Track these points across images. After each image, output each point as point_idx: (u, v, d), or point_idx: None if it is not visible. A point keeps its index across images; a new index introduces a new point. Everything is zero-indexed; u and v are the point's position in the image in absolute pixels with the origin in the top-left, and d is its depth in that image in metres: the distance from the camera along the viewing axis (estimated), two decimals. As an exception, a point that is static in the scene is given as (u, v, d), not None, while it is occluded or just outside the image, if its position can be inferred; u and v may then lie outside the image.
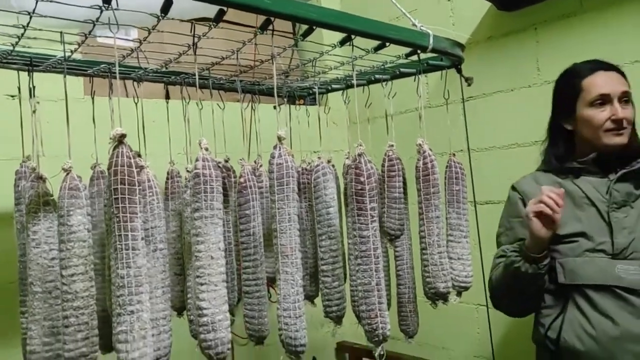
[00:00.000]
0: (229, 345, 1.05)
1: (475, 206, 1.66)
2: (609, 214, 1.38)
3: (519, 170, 2.12)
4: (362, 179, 1.22)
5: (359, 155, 1.24)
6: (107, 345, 1.22)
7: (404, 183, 1.51)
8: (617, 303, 1.32)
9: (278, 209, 1.11)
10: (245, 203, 1.23)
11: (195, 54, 1.11)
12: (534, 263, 1.37)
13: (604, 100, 1.41)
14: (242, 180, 1.23)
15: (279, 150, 1.12)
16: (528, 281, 1.40)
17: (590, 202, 1.41)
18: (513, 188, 1.58)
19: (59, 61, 1.23)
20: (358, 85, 1.76)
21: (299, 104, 2.67)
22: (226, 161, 1.55)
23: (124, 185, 0.91)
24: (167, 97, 1.65)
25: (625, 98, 1.42)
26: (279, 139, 1.12)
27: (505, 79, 2.09)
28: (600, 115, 1.41)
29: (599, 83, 1.43)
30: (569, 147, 1.51)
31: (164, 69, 1.40)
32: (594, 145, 1.44)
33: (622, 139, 1.41)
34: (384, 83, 1.64)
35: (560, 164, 1.50)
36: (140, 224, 0.92)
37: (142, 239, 0.94)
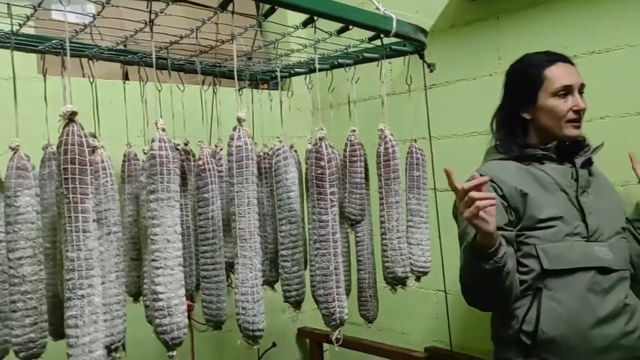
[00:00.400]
0: (185, 330, 1.03)
1: (435, 193, 1.67)
2: (578, 198, 1.42)
3: (479, 158, 2.16)
4: (322, 163, 1.21)
5: (320, 139, 1.23)
6: (58, 331, 1.18)
7: (366, 169, 1.51)
8: (595, 287, 1.34)
9: (237, 192, 1.09)
10: (203, 186, 1.21)
11: (152, 32, 1.07)
12: (489, 259, 1.28)
13: (566, 91, 1.45)
14: (200, 163, 1.20)
15: (239, 132, 1.10)
16: (489, 276, 1.31)
17: (559, 187, 1.44)
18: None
19: (7, 35, 1.17)
20: (321, 70, 1.74)
21: (263, 88, 2.64)
22: (186, 144, 1.52)
23: (74, 165, 0.87)
24: (126, 77, 1.60)
25: (582, 90, 1.47)
26: (239, 120, 1.10)
27: (468, 68, 2.11)
28: (563, 105, 1.45)
29: (562, 74, 1.46)
30: (523, 135, 1.53)
31: (119, 47, 1.35)
32: (552, 134, 1.47)
33: (579, 131, 1.47)
34: (347, 68, 1.63)
35: (522, 151, 1.51)
36: (91, 205, 0.89)
37: (94, 221, 0.90)
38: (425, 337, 2.32)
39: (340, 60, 1.64)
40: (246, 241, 1.09)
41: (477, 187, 1.19)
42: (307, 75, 1.80)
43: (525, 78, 1.52)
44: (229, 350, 2.28)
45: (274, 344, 2.36)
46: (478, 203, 1.18)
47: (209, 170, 1.20)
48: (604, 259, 1.36)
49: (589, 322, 1.33)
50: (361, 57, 1.58)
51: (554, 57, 1.49)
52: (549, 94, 1.46)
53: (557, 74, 1.45)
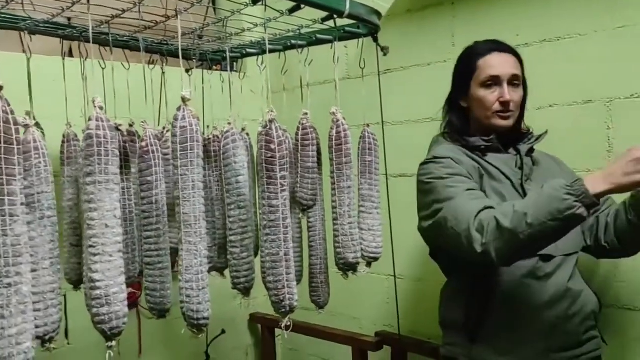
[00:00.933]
0: (125, 320, 0.99)
1: (387, 178, 1.66)
2: (523, 186, 1.42)
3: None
4: (272, 146, 1.17)
5: (270, 121, 1.19)
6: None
7: (319, 153, 1.48)
8: (537, 273, 1.35)
9: (181, 175, 1.04)
10: (147, 169, 1.15)
11: (89, 3, 1.00)
12: (592, 208, 1.15)
13: (494, 81, 1.44)
14: (143, 144, 1.15)
15: (183, 112, 1.05)
16: (572, 227, 1.19)
17: (505, 176, 1.45)
18: (436, 158, 1.46)
19: None
20: (274, 51, 1.70)
21: (216, 69, 2.56)
22: (130, 126, 1.45)
23: (0, 143, 0.80)
24: (69, 54, 1.51)
25: (516, 82, 1.46)
26: (183, 100, 1.05)
27: (423, 53, 2.10)
28: (490, 96, 1.44)
29: (491, 64, 1.45)
30: (463, 123, 1.54)
31: (55, 20, 1.26)
32: (483, 125, 1.48)
33: (507, 122, 1.45)
34: (299, 50, 1.59)
35: (465, 140, 1.51)
36: (19, 187, 0.83)
37: (23, 204, 0.84)
38: (377, 322, 2.34)
39: (293, 42, 1.60)
40: (191, 226, 1.04)
41: None
42: (260, 57, 1.75)
43: (462, 66, 1.54)
44: (177, 338, 2.23)
45: (223, 331, 2.32)
46: None
47: (153, 152, 1.14)
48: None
49: (530, 306, 1.35)
50: (314, 38, 1.55)
51: (493, 47, 1.48)
52: (478, 83, 1.46)
53: (487, 64, 1.45)
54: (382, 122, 1.65)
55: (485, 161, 1.47)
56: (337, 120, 1.35)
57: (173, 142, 1.05)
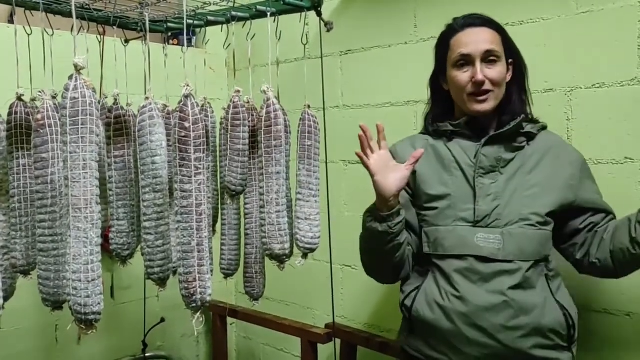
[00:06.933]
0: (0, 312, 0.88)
1: (327, 164, 1.56)
2: (475, 179, 1.31)
3: (391, 131, 2.06)
4: (186, 124, 1.06)
5: (186, 97, 1.07)
6: None
7: (253, 135, 1.37)
8: (471, 276, 1.26)
9: (70, 153, 0.93)
10: (42, 145, 1.03)
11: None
12: (383, 222, 1.28)
13: (465, 60, 1.31)
14: (39, 117, 1.03)
15: (75, 81, 0.93)
16: (379, 241, 1.30)
17: (458, 166, 1.34)
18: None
19: None
20: (216, 23, 1.58)
21: (173, 44, 2.43)
22: (34, 100, 1.29)
23: None
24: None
25: (492, 57, 1.30)
26: (76, 67, 0.93)
27: (384, 34, 1.99)
28: (461, 76, 1.31)
29: (462, 41, 1.32)
30: (447, 108, 1.42)
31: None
32: (462, 109, 1.36)
33: (484, 106, 1.31)
34: (243, 23, 1.47)
35: (436, 126, 1.41)
36: None
37: None
38: (330, 312, 2.25)
39: (234, 13, 1.47)
40: (80, 211, 0.93)
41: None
42: (204, 29, 1.63)
43: (439, 45, 1.41)
44: (118, 326, 2.14)
45: (162, 319, 2.22)
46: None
47: (50, 127, 1.02)
48: (483, 247, 1.25)
49: (460, 309, 1.25)
50: (255, 10, 1.42)
51: (468, 22, 1.34)
52: (451, 63, 1.34)
53: (458, 42, 1.32)
54: (324, 106, 1.54)
55: (447, 148, 1.37)
56: (268, 100, 1.24)
57: (62, 115, 0.93)
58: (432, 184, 1.33)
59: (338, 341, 2.07)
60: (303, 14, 1.41)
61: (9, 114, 1.19)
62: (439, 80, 1.42)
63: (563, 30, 1.56)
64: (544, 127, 1.40)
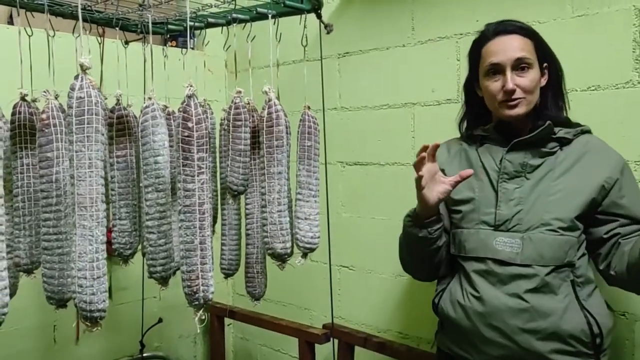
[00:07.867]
0: (6, 310, 0.89)
1: (326, 165, 1.58)
2: (499, 184, 1.32)
3: (389, 133, 2.09)
4: (189, 124, 1.07)
5: (189, 97, 1.09)
6: None
7: (254, 136, 1.39)
8: (489, 278, 1.28)
9: (76, 152, 0.94)
10: (46, 144, 1.04)
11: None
12: (423, 228, 1.33)
13: (496, 69, 1.31)
14: (44, 116, 1.04)
15: (81, 81, 0.94)
16: (418, 244, 1.36)
17: (485, 171, 1.36)
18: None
19: None
20: (216, 25, 1.60)
21: (171, 45, 2.44)
22: (34, 101, 1.30)
23: None
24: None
25: (523, 65, 1.29)
26: (82, 67, 0.94)
27: (382, 37, 2.01)
28: (493, 85, 1.32)
29: (492, 50, 1.32)
30: (482, 113, 1.42)
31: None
32: (496, 116, 1.38)
33: (516, 111, 1.30)
34: (242, 26, 1.48)
35: (469, 131, 1.44)
36: None
37: None
38: (327, 313, 2.26)
39: (235, 15, 1.49)
40: (86, 209, 0.94)
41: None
42: (203, 31, 1.64)
43: (471, 53, 1.42)
44: (116, 326, 2.14)
45: (160, 320, 2.23)
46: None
47: (55, 126, 1.04)
48: (501, 251, 1.27)
49: (478, 309, 1.28)
50: (255, 12, 1.44)
51: (499, 29, 1.34)
52: (482, 72, 1.35)
53: (488, 51, 1.33)
54: (323, 107, 1.55)
55: (478, 153, 1.39)
56: (270, 100, 1.26)
57: (69, 115, 0.95)
58: (460, 188, 1.34)
59: (336, 341, 2.08)
60: (303, 16, 1.42)
61: (13, 114, 1.20)
62: (473, 87, 1.44)
63: (559, 34, 1.58)
64: (585, 131, 1.36)
